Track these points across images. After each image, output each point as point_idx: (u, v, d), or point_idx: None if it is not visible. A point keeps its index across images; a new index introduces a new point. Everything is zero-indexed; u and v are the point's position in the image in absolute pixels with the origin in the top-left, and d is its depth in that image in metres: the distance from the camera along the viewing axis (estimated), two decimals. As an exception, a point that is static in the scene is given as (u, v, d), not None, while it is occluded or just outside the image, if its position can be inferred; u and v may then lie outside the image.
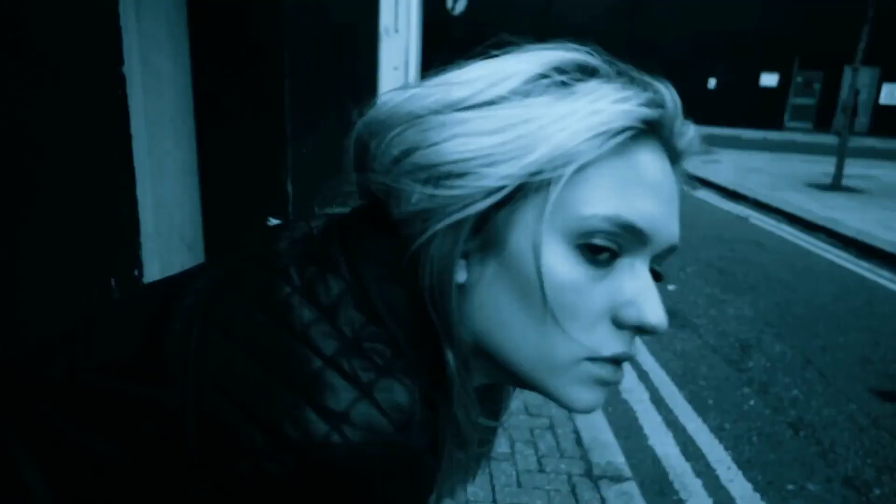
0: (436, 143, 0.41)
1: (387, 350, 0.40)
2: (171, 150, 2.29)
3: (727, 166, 11.07)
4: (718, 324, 4.02)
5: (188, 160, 2.39)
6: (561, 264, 0.41)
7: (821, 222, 6.83)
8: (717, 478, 2.47)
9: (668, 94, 0.45)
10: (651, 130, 0.44)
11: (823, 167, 10.26)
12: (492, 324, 0.44)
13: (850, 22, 9.56)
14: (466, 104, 0.42)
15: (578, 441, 2.48)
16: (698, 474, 2.49)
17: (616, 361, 0.44)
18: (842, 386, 3.25)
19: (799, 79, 19.87)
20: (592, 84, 0.43)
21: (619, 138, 0.41)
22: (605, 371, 0.43)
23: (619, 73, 0.45)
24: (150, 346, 0.40)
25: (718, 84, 20.10)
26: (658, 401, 3.03)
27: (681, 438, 2.72)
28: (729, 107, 19.77)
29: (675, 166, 0.47)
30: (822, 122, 19.59)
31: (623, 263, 0.43)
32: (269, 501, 0.35)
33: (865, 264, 5.64)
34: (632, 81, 0.45)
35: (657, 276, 0.46)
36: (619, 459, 2.39)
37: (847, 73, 9.41)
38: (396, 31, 8.90)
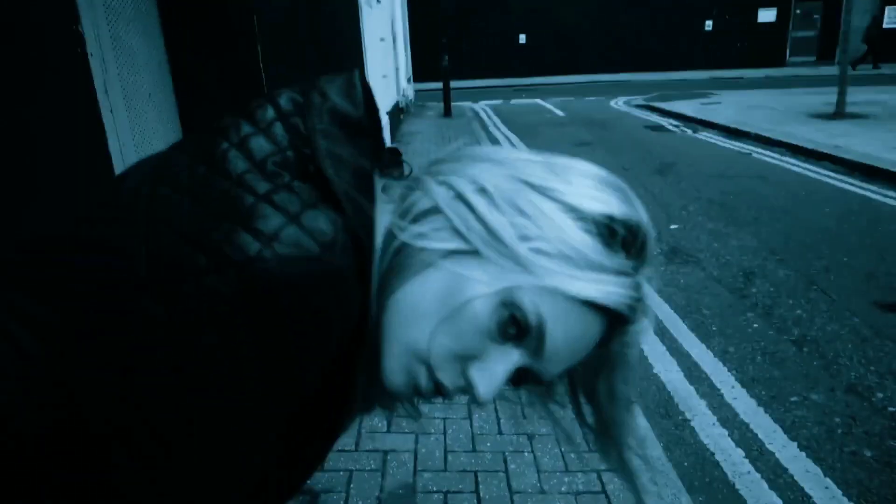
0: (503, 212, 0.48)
1: (315, 192, 0.44)
2: (154, 125, 2.34)
3: (728, 107, 10.91)
4: (721, 256, 4.03)
5: (174, 134, 2.44)
6: (486, 305, 0.47)
7: (825, 150, 6.75)
8: (721, 397, 2.52)
9: (644, 308, 0.52)
10: (612, 319, 0.50)
11: (827, 98, 10.06)
12: (407, 290, 0.49)
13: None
14: (548, 195, 0.49)
15: (581, 373, 2.53)
16: (703, 395, 2.54)
17: (438, 388, 0.51)
18: (846, 302, 3.27)
19: (798, 11, 19.34)
20: (620, 260, 0.49)
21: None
22: (425, 384, 0.50)
23: (640, 263, 0.51)
24: (110, 201, 0.45)
25: (715, 25, 19.65)
26: (662, 332, 3.07)
27: (685, 364, 2.76)
28: (727, 48, 19.37)
29: (603, 344, 0.53)
30: (825, 53, 19.13)
31: (507, 348, 0.49)
32: (213, 315, 0.39)
33: (872, 187, 5.59)
34: (640, 276, 0.51)
35: (525, 381, 0.53)
36: (622, 386, 2.44)
37: (846, -2, 9.15)
38: (378, 1, 8.82)
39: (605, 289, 0.47)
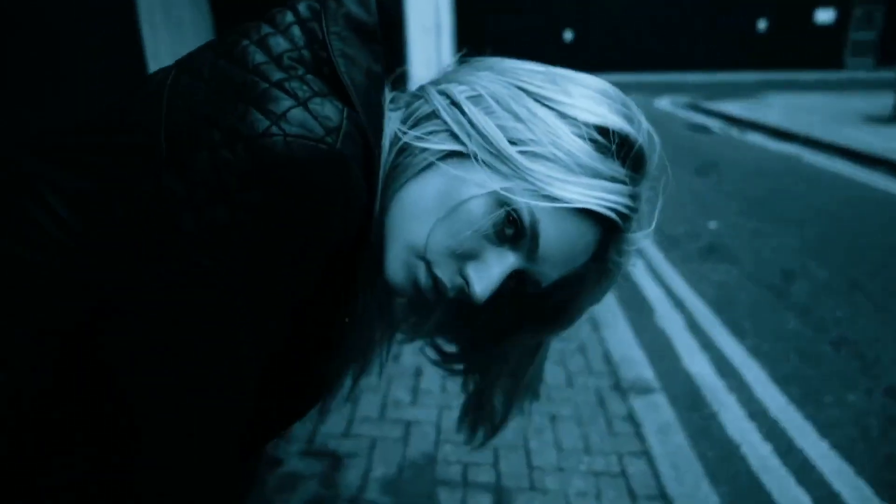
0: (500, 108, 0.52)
1: (327, 86, 0.47)
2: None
3: (778, 108, 10.58)
4: (760, 255, 3.94)
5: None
6: (482, 205, 0.50)
7: (879, 153, 6.49)
8: (751, 392, 2.47)
9: (639, 220, 0.56)
10: (607, 227, 0.54)
11: (885, 101, 9.67)
12: (408, 191, 0.52)
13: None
14: (541, 98, 0.52)
15: (608, 360, 2.52)
16: (732, 390, 2.49)
17: (436, 288, 0.54)
18: (890, 305, 3.16)
19: (858, 12, 18.58)
20: (615, 167, 0.52)
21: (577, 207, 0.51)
22: (424, 278, 0.53)
23: (637, 175, 0.54)
24: (138, 89, 0.49)
25: (769, 25, 19.03)
26: (693, 326, 3.03)
27: (715, 358, 2.72)
28: (781, 49, 18.74)
29: (598, 259, 0.57)
30: (886, 57, 18.33)
31: (503, 251, 0.52)
32: (223, 188, 0.42)
33: (928, 193, 5.36)
34: (638, 188, 0.54)
35: (523, 286, 0.56)
36: (648, 374, 2.42)
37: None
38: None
39: (598, 194, 0.50)
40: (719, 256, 3.94)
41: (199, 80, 0.46)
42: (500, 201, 0.50)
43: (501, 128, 0.50)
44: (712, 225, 4.58)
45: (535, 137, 0.49)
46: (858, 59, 18.94)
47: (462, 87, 0.53)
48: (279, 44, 0.48)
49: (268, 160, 0.42)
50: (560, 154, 0.49)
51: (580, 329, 2.77)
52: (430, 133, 0.51)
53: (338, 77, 0.48)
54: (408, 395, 2.22)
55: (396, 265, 0.53)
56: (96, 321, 0.47)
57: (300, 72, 0.46)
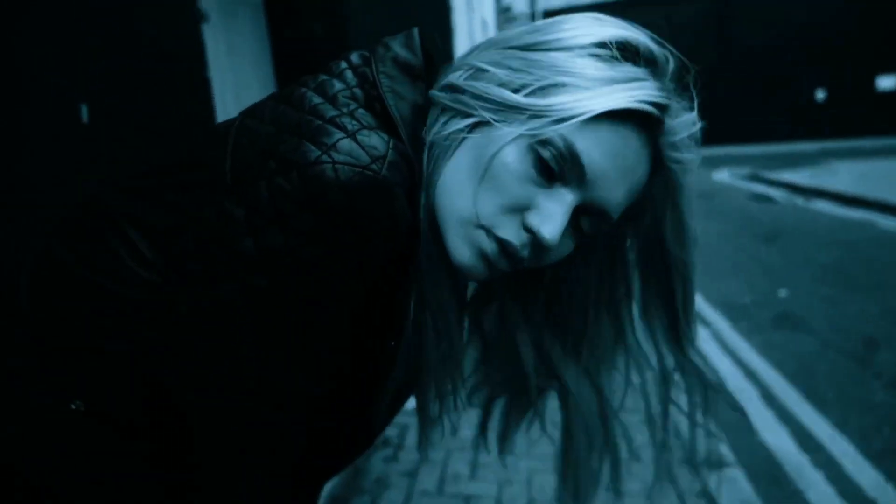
0: (508, 68, 0.54)
1: (376, 119, 0.52)
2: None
3: (844, 175, 10.25)
4: (838, 323, 3.71)
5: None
6: (512, 152, 0.52)
7: (961, 216, 6.12)
8: (840, 469, 2.27)
9: (682, 109, 0.55)
10: (648, 126, 0.53)
11: (962, 163, 9.23)
12: (445, 174, 0.55)
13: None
14: (538, 46, 0.55)
15: (677, 433, 2.38)
16: (818, 466, 2.30)
17: (505, 251, 0.54)
18: None
19: (922, 77, 18.14)
20: (628, 68, 0.53)
21: (607, 110, 0.51)
22: (492, 247, 0.53)
23: (656, 70, 0.55)
24: (207, 133, 0.56)
25: (829, 95, 18.78)
26: (769, 398, 2.84)
27: (796, 432, 2.53)
28: (842, 117, 18.37)
29: (659, 166, 0.56)
30: (958, 120, 17.64)
31: (556, 189, 0.53)
32: (279, 213, 0.47)
33: None
34: (663, 82, 0.54)
35: (580, 232, 0.56)
36: (723, 448, 2.27)
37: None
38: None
39: (619, 94, 0.50)
40: (793, 325, 3.73)
41: (261, 122, 0.51)
42: (530, 144, 0.51)
43: (502, 84, 0.52)
44: (783, 293, 4.38)
45: (537, 77, 0.51)
46: (927, 124, 18.29)
47: (458, 72, 0.56)
48: (333, 86, 0.54)
49: (318, 186, 0.46)
50: (567, 79, 0.50)
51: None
52: (447, 121, 0.55)
53: (387, 112, 0.52)
54: (466, 469, 2.16)
55: (458, 245, 0.54)
56: (164, 347, 0.51)
57: (352, 108, 0.52)
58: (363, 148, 0.47)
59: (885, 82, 18.42)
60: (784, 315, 3.91)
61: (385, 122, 0.52)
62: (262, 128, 0.50)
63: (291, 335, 0.49)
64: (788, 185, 9.90)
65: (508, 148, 0.51)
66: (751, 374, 3.10)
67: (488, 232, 0.53)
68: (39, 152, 0.85)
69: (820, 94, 18.86)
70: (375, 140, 0.49)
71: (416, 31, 0.60)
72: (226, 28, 2.08)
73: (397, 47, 0.58)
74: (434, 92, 0.57)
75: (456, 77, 0.56)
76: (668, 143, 0.54)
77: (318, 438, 0.60)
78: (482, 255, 0.54)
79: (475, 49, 0.60)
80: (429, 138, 0.55)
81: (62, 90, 0.91)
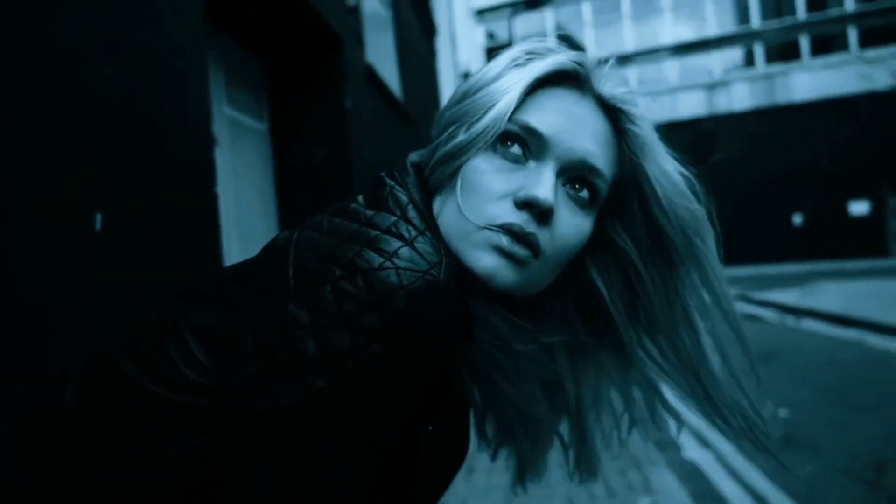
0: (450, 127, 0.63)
1: (423, 226, 0.56)
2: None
3: (830, 295, 10.42)
4: (843, 444, 3.60)
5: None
6: (478, 159, 0.59)
7: (950, 336, 6.16)
8: None
9: (595, 60, 0.64)
10: (575, 81, 0.62)
11: (943, 284, 9.43)
12: (444, 222, 0.60)
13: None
14: (467, 95, 0.63)
15: None
16: None
17: (514, 235, 0.56)
18: None
19: (892, 202, 19.03)
20: (538, 62, 0.61)
21: (530, 82, 0.60)
22: (501, 240, 0.56)
23: (562, 44, 0.65)
24: (266, 247, 0.59)
25: (805, 219, 19.55)
26: (781, 525, 2.69)
27: (814, 563, 2.37)
28: (820, 241, 19.00)
29: (609, 109, 0.63)
30: (933, 243, 18.27)
31: (530, 166, 0.58)
32: (343, 314, 0.48)
33: None
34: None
35: (581, 201, 0.61)
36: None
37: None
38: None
39: (538, 65, 0.57)
40: (798, 447, 3.62)
41: (319, 232, 0.54)
42: (489, 144, 0.58)
43: (455, 137, 0.60)
44: (783, 413, 4.29)
45: (476, 108, 0.59)
46: (904, 247, 18.91)
47: (427, 155, 0.64)
48: (380, 196, 0.59)
49: (384, 289, 0.48)
50: (498, 93, 0.58)
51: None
52: (436, 204, 0.63)
53: (423, 215, 0.58)
54: None
55: (474, 256, 0.56)
56: (213, 453, 0.51)
57: (403, 214, 0.56)
58: (422, 255, 0.51)
59: (857, 207, 19.28)
60: (788, 436, 3.80)
61: (428, 222, 0.57)
62: (321, 238, 0.53)
63: (347, 436, 0.50)
64: (778, 306, 10.01)
65: (473, 159, 0.58)
66: (760, 499, 2.96)
67: (490, 228, 0.56)
68: (52, 256, 0.88)
69: (797, 219, 19.63)
70: (430, 247, 0.53)
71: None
72: (233, 151, 2.20)
73: (411, 155, 0.64)
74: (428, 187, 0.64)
75: (428, 162, 0.63)
76: (603, 87, 0.61)
77: None
78: (499, 251, 0.56)
79: (433, 129, 0.67)
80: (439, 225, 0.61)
81: (80, 197, 0.95)
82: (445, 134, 0.61)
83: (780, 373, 5.55)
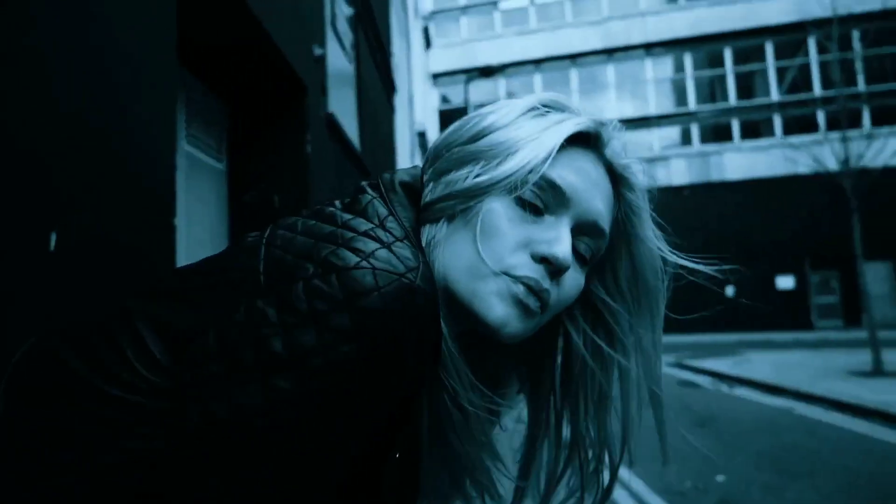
0: (462, 165, 0.63)
1: (402, 235, 0.55)
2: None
3: (761, 365, 10.84)
4: (779, 510, 3.67)
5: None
6: (497, 202, 0.59)
7: (872, 405, 6.49)
8: None
9: (608, 124, 0.67)
10: (588, 143, 0.64)
11: (862, 357, 9.99)
12: (447, 256, 0.59)
13: (849, 221, 10.12)
14: (482, 134, 0.63)
15: None
16: None
17: (530, 289, 0.57)
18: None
19: (815, 278, 20.24)
20: (557, 114, 0.64)
21: (561, 141, 0.61)
22: (518, 289, 0.57)
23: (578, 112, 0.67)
24: (238, 243, 0.57)
25: (737, 291, 20.50)
26: (722, 591, 2.68)
27: None
28: (751, 312, 19.88)
29: (614, 175, 0.66)
30: (851, 318, 19.44)
31: (548, 219, 0.60)
32: (313, 313, 0.46)
33: (932, 444, 5.23)
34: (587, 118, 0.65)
35: (583, 259, 0.63)
36: None
37: (862, 268, 9.67)
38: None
39: (562, 127, 0.59)
40: (735, 512, 3.66)
41: (293, 232, 0.53)
42: (507, 185, 0.58)
43: (466, 178, 0.60)
44: (720, 478, 4.35)
45: (492, 156, 0.59)
46: (826, 321, 20.02)
47: (427, 189, 0.63)
48: (360, 203, 0.58)
49: (358, 288, 0.47)
50: (516, 143, 0.59)
51: None
52: (435, 231, 0.60)
53: (402, 224, 0.57)
54: None
55: (488, 303, 0.55)
56: (165, 459, 0.47)
57: (381, 221, 0.55)
58: (399, 259, 0.50)
59: (783, 282, 20.40)
60: (724, 502, 3.85)
61: (408, 232, 0.56)
62: (296, 237, 0.52)
63: (306, 447, 0.47)
64: (712, 373, 10.33)
65: (493, 203, 0.58)
66: (701, 565, 2.95)
67: (508, 276, 0.56)
68: (3, 277, 0.82)
69: (729, 291, 20.55)
70: (409, 252, 0.52)
71: (419, 166, 0.67)
72: (188, 187, 2.15)
73: (402, 174, 0.64)
74: (421, 218, 0.63)
75: (428, 194, 0.62)
76: (612, 153, 0.64)
77: None
78: (514, 300, 0.56)
79: (427, 162, 0.67)
80: (428, 252, 0.59)
81: (35, 216, 0.91)
82: (463, 171, 0.60)
83: (716, 438, 5.67)
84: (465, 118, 0.67)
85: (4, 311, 0.82)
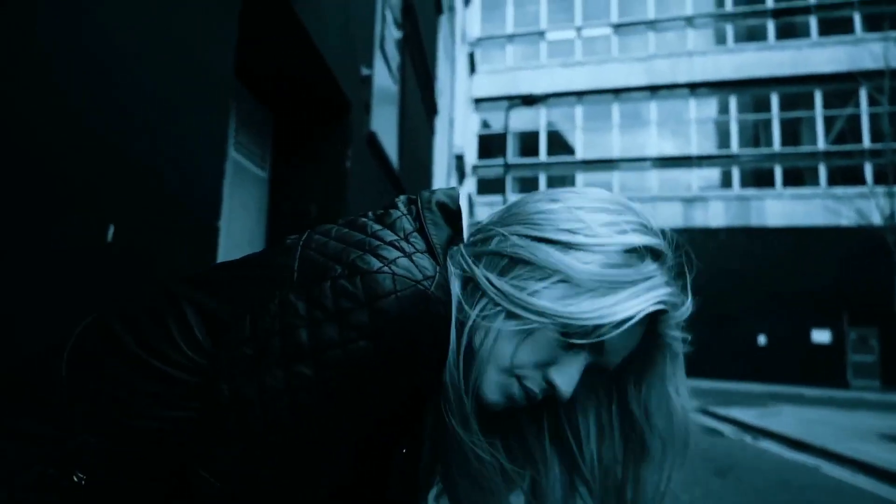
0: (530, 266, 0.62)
1: (424, 248, 0.61)
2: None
3: (789, 418, 10.51)
4: (794, 568, 3.55)
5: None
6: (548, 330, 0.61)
7: (903, 472, 6.22)
8: None
9: (683, 306, 0.66)
10: (656, 314, 0.64)
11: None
12: (490, 340, 0.62)
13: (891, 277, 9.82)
14: (560, 244, 0.62)
15: None
16: None
17: (528, 395, 0.62)
18: None
19: (853, 334, 19.56)
20: (644, 268, 0.62)
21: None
22: (517, 392, 0.62)
23: (664, 264, 0.65)
24: (275, 245, 0.62)
25: (769, 341, 19.94)
26: None
27: None
28: (782, 364, 19.31)
29: (656, 332, 0.66)
30: (890, 379, 18.69)
31: (577, 353, 0.62)
32: (338, 309, 0.52)
33: (964, 517, 4.99)
34: (669, 275, 0.65)
35: (603, 369, 0.65)
36: None
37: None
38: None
39: (638, 301, 0.59)
40: (748, 566, 3.55)
41: (327, 237, 0.60)
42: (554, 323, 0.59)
43: (531, 286, 0.60)
44: (736, 531, 4.23)
45: (562, 277, 0.59)
46: (863, 380, 19.27)
47: (488, 252, 0.63)
48: (390, 216, 0.64)
49: (379, 291, 0.53)
50: (592, 285, 0.59)
51: None
52: (485, 310, 0.61)
53: (430, 241, 0.61)
54: None
55: (493, 388, 0.61)
56: (195, 428, 0.52)
57: (406, 234, 0.60)
58: (417, 267, 0.56)
59: (819, 336, 19.76)
60: (739, 554, 3.74)
61: (429, 246, 0.61)
62: (329, 242, 0.59)
63: (323, 429, 0.52)
64: (737, 422, 10.05)
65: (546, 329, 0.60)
66: None
67: (518, 380, 0.61)
68: (65, 266, 0.90)
69: (761, 339, 20.02)
70: (427, 263, 0.58)
71: (457, 188, 0.72)
72: (232, 193, 2.25)
73: (439, 194, 0.69)
74: (471, 261, 0.64)
75: (493, 268, 0.62)
76: (666, 324, 0.64)
77: None
78: (510, 397, 0.62)
79: (500, 221, 0.67)
80: (471, 316, 0.61)
81: (96, 210, 0.99)
82: (534, 276, 0.60)
83: (735, 488, 5.52)
84: (554, 205, 0.65)
85: (69, 293, 0.90)
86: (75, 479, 0.51)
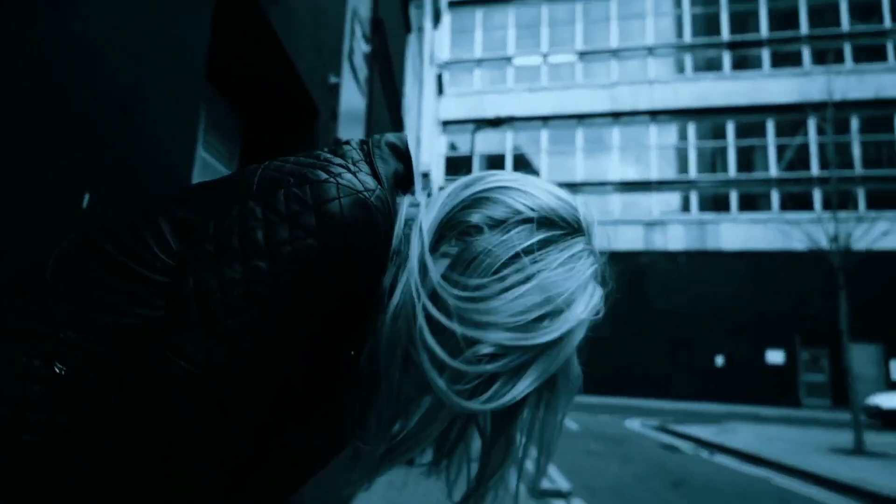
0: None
1: (369, 171, 0.68)
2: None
3: (745, 435, 10.78)
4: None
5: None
6: None
7: (849, 482, 6.47)
8: None
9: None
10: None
11: (846, 437, 9.97)
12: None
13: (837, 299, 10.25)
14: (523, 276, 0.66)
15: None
16: None
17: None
18: None
19: (805, 355, 20.20)
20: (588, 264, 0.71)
21: None
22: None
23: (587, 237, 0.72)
24: (237, 171, 0.70)
25: (726, 362, 20.43)
26: None
27: None
28: (739, 384, 19.78)
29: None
30: (840, 398, 19.33)
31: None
32: (290, 214, 0.60)
33: (905, 524, 5.20)
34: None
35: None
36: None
37: (849, 348, 9.63)
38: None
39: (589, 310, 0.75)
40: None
41: (285, 162, 0.67)
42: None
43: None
44: (691, 536, 4.33)
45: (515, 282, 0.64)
46: (814, 399, 19.88)
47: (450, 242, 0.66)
48: (341, 148, 0.71)
49: (324, 196, 0.61)
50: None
51: None
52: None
53: (375, 169, 0.68)
54: None
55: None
56: (166, 321, 0.57)
57: (354, 161, 0.67)
58: (360, 182, 0.64)
59: (773, 356, 20.35)
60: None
61: (375, 174, 0.68)
62: (286, 165, 0.67)
63: (275, 317, 0.58)
64: (694, 439, 10.26)
65: None
66: None
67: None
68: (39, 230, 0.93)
69: (719, 360, 20.51)
70: (369, 179, 0.65)
71: (405, 133, 0.80)
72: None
73: (389, 136, 0.76)
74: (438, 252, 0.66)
75: (447, 247, 0.66)
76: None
77: (287, 446, 0.64)
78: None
79: (458, 207, 0.68)
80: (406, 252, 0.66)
81: (71, 177, 1.02)
82: (493, 289, 0.63)
83: (689, 500, 5.64)
84: (499, 198, 0.68)
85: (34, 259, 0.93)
86: (56, 369, 0.55)
